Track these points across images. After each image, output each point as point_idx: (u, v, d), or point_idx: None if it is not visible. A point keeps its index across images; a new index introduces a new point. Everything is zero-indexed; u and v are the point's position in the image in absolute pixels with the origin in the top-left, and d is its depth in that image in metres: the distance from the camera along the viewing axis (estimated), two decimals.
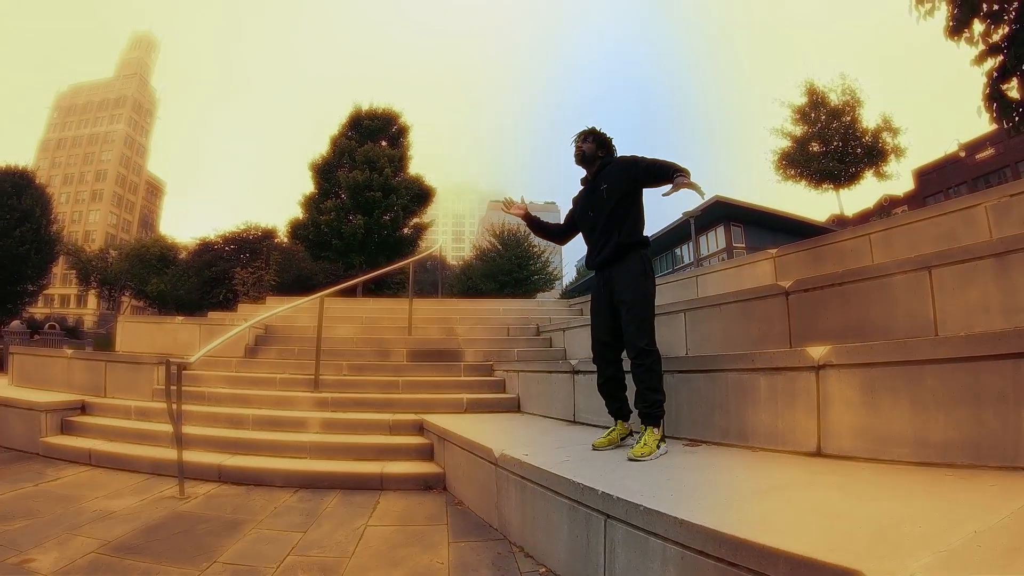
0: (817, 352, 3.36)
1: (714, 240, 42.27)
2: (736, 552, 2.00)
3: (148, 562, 3.33)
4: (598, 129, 4.42)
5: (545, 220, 4.93)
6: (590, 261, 4.37)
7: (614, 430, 4.17)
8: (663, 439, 3.80)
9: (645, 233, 4.26)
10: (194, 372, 7.36)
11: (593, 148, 4.34)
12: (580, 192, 4.53)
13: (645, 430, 3.79)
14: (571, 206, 4.62)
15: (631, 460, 3.56)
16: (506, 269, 36.01)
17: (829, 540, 1.89)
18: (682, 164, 3.93)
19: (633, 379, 3.96)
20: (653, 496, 2.62)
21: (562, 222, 4.75)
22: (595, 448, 4.03)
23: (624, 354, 4.16)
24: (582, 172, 4.50)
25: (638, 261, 4.08)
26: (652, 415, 3.81)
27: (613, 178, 4.16)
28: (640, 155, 4.17)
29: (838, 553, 1.74)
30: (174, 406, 4.85)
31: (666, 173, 3.93)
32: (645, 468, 3.40)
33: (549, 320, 10.62)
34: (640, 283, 4.02)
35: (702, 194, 3.90)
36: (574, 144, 4.42)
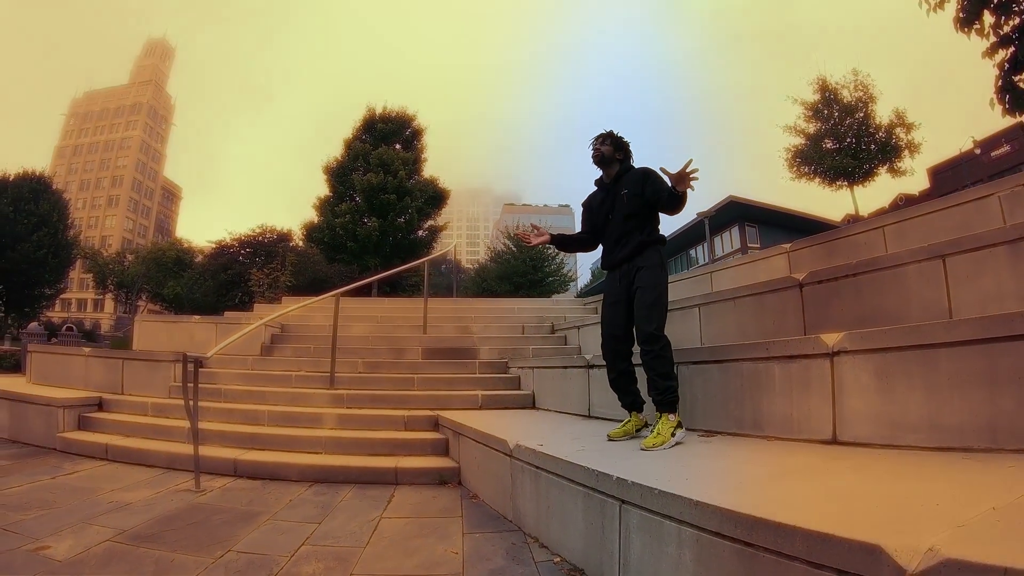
0: (831, 339, 3.35)
1: (728, 241, 41.96)
2: (752, 531, 1.99)
3: (163, 550, 3.36)
4: (615, 133, 4.49)
5: (566, 233, 4.92)
6: (606, 261, 4.44)
7: (629, 421, 4.20)
8: (680, 425, 3.80)
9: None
10: (211, 370, 7.43)
11: (611, 150, 4.40)
12: (594, 194, 4.61)
13: (660, 418, 3.80)
14: (585, 211, 4.70)
15: (644, 451, 3.57)
16: (521, 271, 36.03)
17: (846, 518, 1.88)
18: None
19: (644, 368, 3.97)
20: (668, 480, 2.62)
21: (578, 229, 4.81)
22: (610, 439, 4.05)
23: (634, 348, 4.22)
24: (595, 176, 4.59)
25: (656, 254, 4.19)
26: (666, 402, 3.83)
27: (632, 184, 4.24)
28: (657, 174, 4.18)
29: (856, 529, 1.72)
30: (191, 401, 4.88)
31: (669, 195, 3.97)
32: (660, 456, 3.41)
33: (564, 318, 10.65)
34: (657, 272, 4.11)
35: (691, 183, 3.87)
36: (592, 146, 4.47)
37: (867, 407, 3.14)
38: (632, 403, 4.27)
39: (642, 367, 4.01)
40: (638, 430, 4.17)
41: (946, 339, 2.82)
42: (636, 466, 3.06)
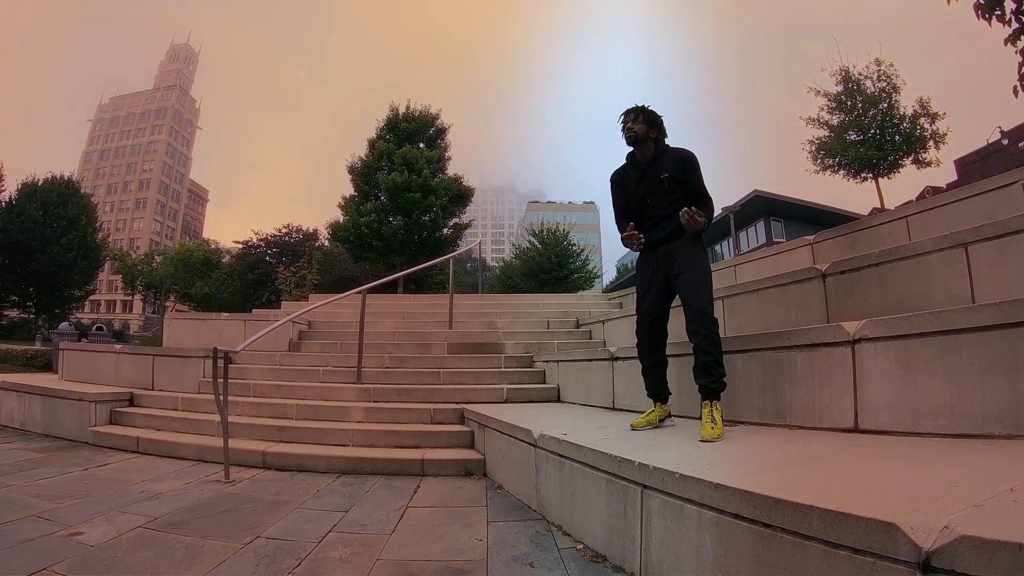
0: (852, 326, 3.35)
1: (754, 236, 41.54)
2: (771, 512, 2.02)
3: (193, 536, 3.46)
4: (648, 107, 4.20)
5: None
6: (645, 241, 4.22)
7: (653, 411, 4.19)
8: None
9: None
10: (240, 365, 7.59)
11: (644, 129, 4.12)
12: (626, 172, 4.33)
13: (710, 406, 3.66)
14: (616, 189, 4.40)
15: (703, 442, 3.44)
16: (546, 268, 36.07)
17: (864, 498, 1.90)
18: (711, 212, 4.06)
19: (699, 353, 3.80)
20: (689, 465, 2.64)
21: (615, 211, 4.45)
22: (633, 428, 4.07)
23: (665, 341, 4.23)
24: (620, 162, 4.42)
25: (696, 237, 4.07)
26: (717, 390, 3.73)
27: (673, 168, 4.07)
28: (698, 164, 4.10)
29: (872, 508, 1.75)
30: (221, 395, 4.98)
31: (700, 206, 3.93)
32: (681, 443, 3.44)
33: (588, 313, 10.68)
34: (700, 255, 4.06)
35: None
36: (623, 124, 4.20)
37: (888, 395, 3.15)
38: (659, 394, 4.24)
39: (695, 350, 3.85)
40: (661, 420, 4.18)
41: (967, 324, 2.82)
42: (658, 453, 3.09)
